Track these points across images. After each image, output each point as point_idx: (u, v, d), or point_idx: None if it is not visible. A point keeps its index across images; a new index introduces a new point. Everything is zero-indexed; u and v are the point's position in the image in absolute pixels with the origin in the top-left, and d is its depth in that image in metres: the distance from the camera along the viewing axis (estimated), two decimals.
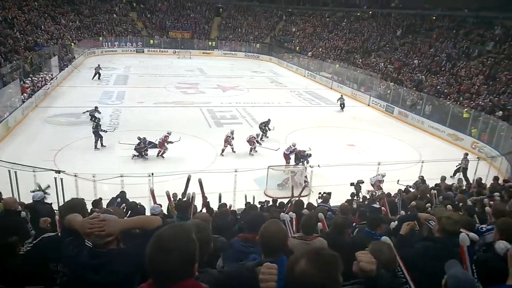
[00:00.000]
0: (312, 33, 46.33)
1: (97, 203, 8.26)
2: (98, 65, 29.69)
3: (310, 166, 12.96)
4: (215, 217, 5.01)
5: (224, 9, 54.62)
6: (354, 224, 5.21)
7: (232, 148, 15.86)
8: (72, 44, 37.75)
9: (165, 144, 14.95)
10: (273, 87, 32.01)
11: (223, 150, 15.67)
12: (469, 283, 2.19)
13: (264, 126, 17.90)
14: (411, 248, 3.06)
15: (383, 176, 12.45)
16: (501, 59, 23.85)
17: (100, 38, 43.77)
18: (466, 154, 14.85)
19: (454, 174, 14.47)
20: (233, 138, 15.72)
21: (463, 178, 13.62)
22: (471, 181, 12.63)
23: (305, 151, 14.30)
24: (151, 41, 46.86)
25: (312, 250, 1.48)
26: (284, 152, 14.64)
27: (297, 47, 44.76)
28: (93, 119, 17.37)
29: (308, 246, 2.16)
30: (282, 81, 34.92)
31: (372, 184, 12.62)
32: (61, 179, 9.66)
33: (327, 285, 1.37)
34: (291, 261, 1.44)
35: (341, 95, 25.52)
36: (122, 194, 9.61)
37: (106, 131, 16.09)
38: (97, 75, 29.23)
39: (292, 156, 14.48)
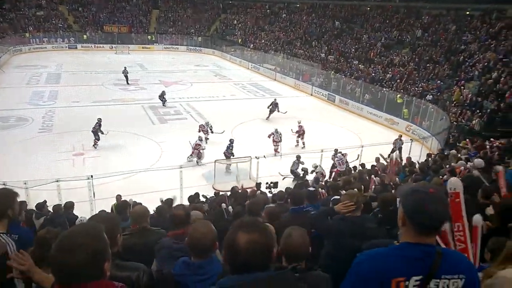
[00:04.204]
0: (253, 25, 46.43)
1: (41, 206, 7.70)
2: (125, 67, 27.41)
3: (256, 157, 13.01)
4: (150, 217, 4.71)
5: (162, 1, 52.94)
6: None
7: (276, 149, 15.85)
8: None
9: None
10: (217, 81, 31.72)
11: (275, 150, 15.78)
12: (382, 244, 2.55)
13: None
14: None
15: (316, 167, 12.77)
16: (428, 45, 25.46)
17: (27, 35, 40.63)
18: (400, 136, 15.75)
19: (389, 156, 15.23)
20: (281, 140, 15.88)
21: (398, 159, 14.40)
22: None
23: None
24: (84, 36, 44.24)
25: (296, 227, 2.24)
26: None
27: (239, 40, 44.66)
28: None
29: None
30: (226, 74, 34.71)
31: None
32: None
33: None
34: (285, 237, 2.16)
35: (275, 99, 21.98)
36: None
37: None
38: (126, 78, 27.30)
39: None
